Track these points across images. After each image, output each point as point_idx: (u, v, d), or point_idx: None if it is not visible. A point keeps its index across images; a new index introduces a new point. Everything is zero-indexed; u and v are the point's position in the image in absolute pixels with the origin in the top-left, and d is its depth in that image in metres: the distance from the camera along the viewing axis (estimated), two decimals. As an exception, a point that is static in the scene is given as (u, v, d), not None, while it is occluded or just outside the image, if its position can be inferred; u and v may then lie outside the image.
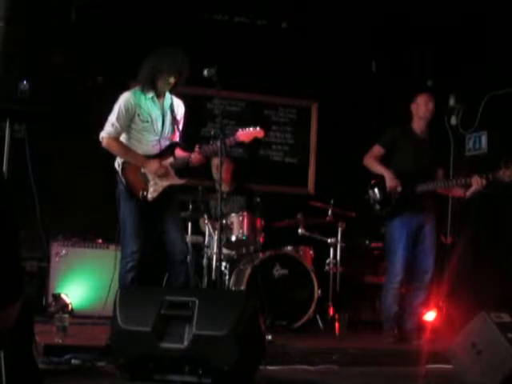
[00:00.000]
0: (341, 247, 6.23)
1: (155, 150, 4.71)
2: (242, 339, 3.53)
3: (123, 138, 4.68)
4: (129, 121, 4.63)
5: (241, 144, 4.89)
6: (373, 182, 5.49)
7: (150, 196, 4.64)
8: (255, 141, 4.79)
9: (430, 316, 5.70)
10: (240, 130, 4.68)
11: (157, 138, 4.70)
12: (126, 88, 4.91)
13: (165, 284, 5.54)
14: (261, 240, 6.04)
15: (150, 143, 4.70)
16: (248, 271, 5.72)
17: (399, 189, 5.34)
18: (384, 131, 5.66)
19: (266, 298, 5.18)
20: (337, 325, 5.76)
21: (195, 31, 6.84)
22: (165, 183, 4.68)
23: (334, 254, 6.25)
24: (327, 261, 6.25)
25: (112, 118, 4.62)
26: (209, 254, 6.08)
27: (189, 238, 6.05)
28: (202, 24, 7.01)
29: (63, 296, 5.72)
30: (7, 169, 4.78)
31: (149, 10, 6.73)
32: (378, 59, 7.56)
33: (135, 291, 4.06)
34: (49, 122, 5.99)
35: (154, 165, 4.63)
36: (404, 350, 5.03)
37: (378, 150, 5.54)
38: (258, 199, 6.19)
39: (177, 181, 4.74)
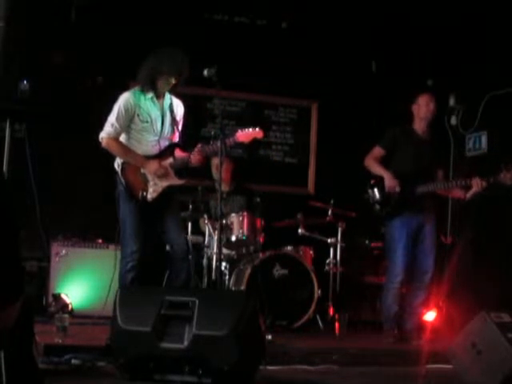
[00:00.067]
0: (341, 247, 6.23)
1: (155, 150, 4.70)
2: (242, 339, 3.53)
3: (123, 138, 4.68)
4: (128, 121, 4.63)
5: (240, 144, 4.89)
6: (372, 182, 5.49)
7: (149, 196, 4.64)
8: (255, 141, 4.79)
9: (429, 316, 5.70)
10: (239, 130, 4.68)
11: (156, 138, 4.70)
12: (125, 88, 4.91)
13: (165, 282, 5.54)
14: (261, 240, 6.04)
15: (149, 143, 4.69)
16: (248, 271, 5.73)
17: (398, 189, 5.34)
18: (384, 132, 5.66)
19: (266, 298, 5.18)
20: (337, 325, 5.76)
21: (195, 31, 6.84)
22: (164, 184, 4.68)
23: (334, 254, 6.25)
24: (327, 261, 6.25)
25: (112, 118, 4.62)
26: (209, 253, 6.08)
27: (189, 237, 6.04)
28: (202, 24, 7.01)
29: (63, 296, 5.72)
30: (7, 169, 4.79)
31: (149, 9, 6.73)
32: (377, 59, 7.56)
33: (135, 291, 4.06)
34: (49, 121, 5.99)
35: (153, 165, 4.63)
36: (404, 349, 5.03)
37: (378, 151, 5.54)
38: (258, 199, 6.18)
39: (176, 181, 4.74)
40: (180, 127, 4.84)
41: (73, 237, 6.05)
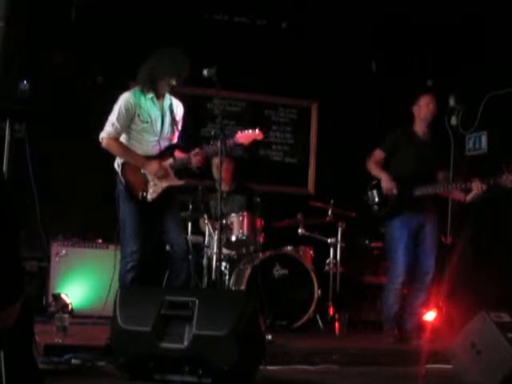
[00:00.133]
0: (341, 247, 6.23)
1: (155, 150, 4.71)
2: (242, 339, 3.53)
3: (123, 138, 4.68)
4: (129, 121, 4.63)
5: (240, 145, 4.89)
6: (373, 183, 5.50)
7: (149, 197, 4.64)
8: (255, 141, 4.79)
9: (429, 316, 5.70)
10: (239, 131, 4.69)
11: (156, 138, 4.71)
12: (125, 88, 4.91)
13: (165, 282, 5.54)
14: (261, 240, 6.04)
15: (149, 144, 4.70)
16: (248, 271, 5.73)
17: (395, 191, 5.35)
18: (385, 133, 5.67)
19: (266, 298, 5.19)
20: (337, 325, 5.77)
21: (195, 31, 6.84)
22: (164, 184, 4.68)
23: (334, 254, 6.25)
24: (327, 261, 6.25)
25: (112, 118, 4.62)
26: (209, 253, 6.09)
27: (189, 237, 6.04)
28: (202, 24, 7.01)
29: (63, 296, 5.72)
30: (7, 169, 4.78)
31: (149, 9, 6.73)
32: (377, 59, 7.56)
33: (135, 291, 4.06)
34: (49, 121, 5.98)
35: (153, 166, 4.63)
36: (404, 350, 5.03)
37: (379, 154, 5.55)
38: (258, 199, 6.18)
39: (176, 182, 4.74)
40: (179, 127, 4.84)
41: (73, 237, 6.05)
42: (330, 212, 6.26)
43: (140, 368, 3.62)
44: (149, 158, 4.67)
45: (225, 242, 5.95)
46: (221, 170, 4.48)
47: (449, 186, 5.34)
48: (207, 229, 6.11)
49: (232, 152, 5.65)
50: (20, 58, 6.10)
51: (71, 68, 6.55)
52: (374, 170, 5.50)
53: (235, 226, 5.94)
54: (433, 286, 5.57)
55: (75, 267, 5.91)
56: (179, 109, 4.88)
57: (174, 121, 4.78)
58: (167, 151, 4.74)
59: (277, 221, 6.36)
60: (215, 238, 5.88)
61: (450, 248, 6.65)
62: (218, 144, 4.37)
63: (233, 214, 6.01)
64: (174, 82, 4.63)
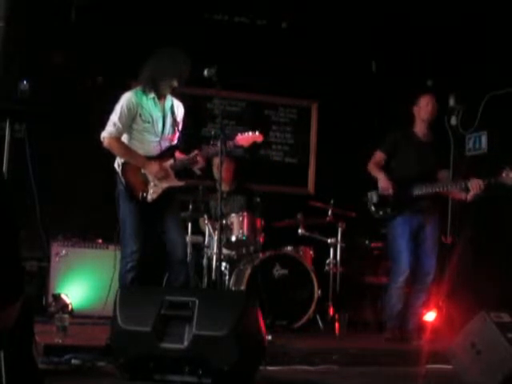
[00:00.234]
0: (341, 247, 6.22)
1: (155, 151, 4.71)
2: (242, 339, 3.53)
3: (124, 138, 4.68)
4: (130, 120, 4.63)
5: (240, 147, 4.89)
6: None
7: (149, 197, 4.64)
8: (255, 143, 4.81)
9: (430, 316, 5.70)
10: (239, 133, 4.70)
11: (157, 139, 4.71)
12: (126, 88, 4.91)
13: (165, 284, 5.54)
14: (261, 240, 6.04)
15: (150, 144, 4.70)
16: (248, 271, 5.72)
17: (391, 190, 5.36)
18: (385, 133, 5.67)
19: (266, 298, 5.19)
20: (337, 325, 5.76)
21: (195, 31, 6.83)
22: (164, 185, 4.68)
23: (334, 254, 6.25)
24: (327, 261, 6.24)
25: (114, 117, 4.62)
26: (209, 254, 6.08)
27: (189, 237, 6.04)
28: (202, 24, 7.00)
29: (63, 296, 5.72)
30: (7, 169, 4.79)
31: (149, 10, 6.73)
32: (378, 59, 7.56)
33: (135, 291, 4.06)
34: (49, 121, 5.99)
35: (154, 167, 4.63)
36: (404, 350, 5.03)
37: (379, 155, 5.56)
38: (258, 199, 6.18)
39: (176, 183, 4.75)
40: (180, 128, 4.85)
41: (73, 237, 6.05)
42: (330, 212, 6.25)
43: (140, 368, 3.62)
44: (149, 158, 4.67)
45: (225, 242, 5.95)
46: (221, 170, 4.48)
47: (448, 186, 5.33)
48: (207, 229, 6.11)
49: (232, 152, 5.65)
50: (20, 58, 6.10)
51: (71, 68, 6.54)
52: (374, 170, 5.51)
53: (235, 226, 5.94)
54: (433, 286, 5.57)
55: (75, 267, 5.91)
56: (180, 110, 4.88)
57: (174, 122, 4.78)
58: (168, 152, 4.74)
59: (277, 221, 6.36)
60: (215, 238, 5.88)
61: (450, 248, 6.65)
62: (218, 144, 4.37)
63: (233, 214, 6.01)
64: (175, 83, 4.63)
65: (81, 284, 5.87)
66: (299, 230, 6.30)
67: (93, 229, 6.19)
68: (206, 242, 6.14)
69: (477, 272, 6.43)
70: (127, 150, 4.66)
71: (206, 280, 6.08)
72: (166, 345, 3.55)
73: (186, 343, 3.52)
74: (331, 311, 6.04)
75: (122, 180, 4.62)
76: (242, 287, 5.65)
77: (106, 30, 6.62)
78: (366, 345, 5.35)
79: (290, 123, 7.56)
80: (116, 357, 3.70)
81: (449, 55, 7.07)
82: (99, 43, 6.57)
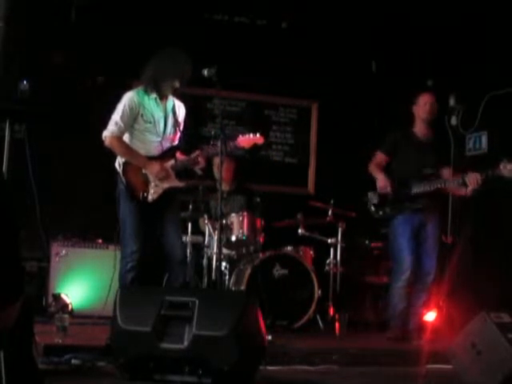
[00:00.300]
0: (341, 247, 6.22)
1: (157, 151, 4.71)
2: (242, 339, 3.53)
3: (126, 138, 4.68)
4: (132, 120, 4.63)
5: (241, 149, 4.90)
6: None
7: (150, 197, 4.64)
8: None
9: (430, 316, 5.70)
10: (240, 135, 4.71)
11: (159, 139, 4.71)
12: (126, 88, 4.91)
13: (165, 284, 5.54)
14: (261, 240, 6.04)
15: (152, 144, 4.70)
16: (248, 271, 5.72)
17: (389, 189, 5.36)
18: (385, 133, 5.67)
19: (266, 298, 5.19)
20: (337, 325, 5.76)
21: (195, 31, 6.83)
22: (165, 185, 4.68)
23: (335, 254, 6.24)
24: (327, 261, 6.24)
25: (116, 116, 4.62)
26: (209, 254, 6.08)
27: (189, 238, 6.04)
28: (202, 24, 7.00)
29: (63, 296, 5.72)
30: (7, 169, 4.78)
31: (149, 9, 6.73)
32: (377, 59, 7.56)
33: (135, 291, 4.06)
34: (49, 121, 5.98)
35: (155, 167, 4.63)
36: (404, 350, 5.03)
37: (380, 156, 5.57)
38: (258, 199, 6.18)
39: (177, 183, 4.75)
40: (181, 129, 4.85)
41: (73, 237, 6.05)
42: (330, 212, 6.25)
43: (140, 368, 3.62)
44: (150, 158, 4.67)
45: (225, 242, 5.95)
46: (221, 170, 4.49)
47: (445, 182, 5.33)
48: (207, 229, 6.10)
49: (233, 152, 5.65)
50: (20, 58, 6.10)
51: (71, 68, 6.55)
52: (374, 171, 5.52)
53: (235, 226, 5.94)
54: (433, 286, 5.57)
55: (75, 267, 5.91)
56: (181, 110, 4.89)
57: (176, 122, 4.78)
58: (169, 152, 4.74)
59: (277, 221, 6.36)
60: (215, 238, 5.88)
61: (451, 248, 6.65)
62: (219, 144, 4.37)
63: (233, 214, 6.01)
64: (176, 84, 4.64)
65: (81, 284, 5.87)
66: (299, 230, 6.30)
67: (93, 229, 6.19)
68: (206, 241, 6.14)
69: (477, 272, 6.43)
70: (128, 150, 4.66)
71: (206, 280, 6.08)
72: (165, 345, 3.55)
73: (185, 343, 3.52)
74: (331, 311, 6.04)
75: (123, 180, 4.62)
76: (242, 287, 5.65)
77: (106, 30, 6.62)
78: (366, 345, 5.35)
79: (289, 123, 7.56)
80: (116, 357, 3.70)
81: (449, 55, 7.07)
82: (99, 43, 6.57)
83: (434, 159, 5.47)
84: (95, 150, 4.81)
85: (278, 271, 5.87)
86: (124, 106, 4.60)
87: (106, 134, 4.62)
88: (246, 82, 7.14)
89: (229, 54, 6.77)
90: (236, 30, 7.14)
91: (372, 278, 6.60)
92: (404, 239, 5.38)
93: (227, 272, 6.10)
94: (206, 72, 4.38)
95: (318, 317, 5.93)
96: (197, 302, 3.60)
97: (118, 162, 4.67)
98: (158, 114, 4.70)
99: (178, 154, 4.78)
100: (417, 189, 5.32)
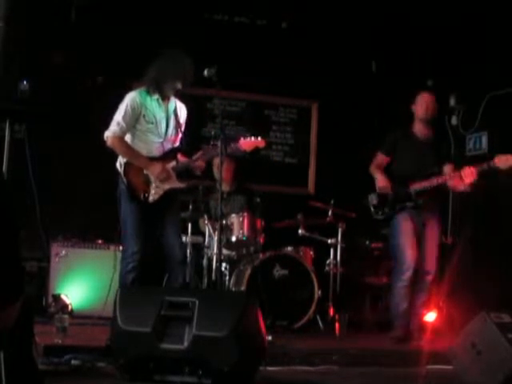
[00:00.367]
0: (341, 248, 6.22)
1: (158, 151, 4.71)
2: (242, 340, 3.52)
3: (127, 138, 4.68)
4: (134, 120, 4.63)
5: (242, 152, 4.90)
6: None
7: (151, 198, 4.64)
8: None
9: (430, 316, 5.69)
10: (242, 138, 4.72)
11: (160, 140, 4.71)
12: (126, 88, 4.91)
13: (165, 285, 5.53)
14: (261, 240, 6.04)
15: (153, 145, 4.70)
16: (248, 272, 5.72)
17: (388, 189, 5.36)
18: (385, 133, 5.67)
19: (266, 299, 5.19)
20: (337, 325, 5.76)
21: (195, 31, 6.83)
22: (166, 186, 4.69)
23: (335, 255, 6.24)
24: (327, 261, 6.24)
25: (118, 116, 4.62)
26: (209, 254, 6.08)
27: (189, 238, 6.04)
28: (202, 24, 7.00)
29: (63, 296, 5.72)
30: (7, 169, 4.78)
31: (149, 9, 6.73)
32: (378, 59, 7.55)
33: (135, 291, 4.06)
34: (49, 121, 5.98)
35: (157, 168, 4.63)
36: (404, 350, 5.02)
37: (380, 157, 5.57)
38: (258, 199, 6.18)
39: (178, 184, 4.76)
40: (182, 130, 4.85)
41: (73, 237, 6.05)
42: (330, 212, 6.25)
43: (140, 369, 3.61)
44: (152, 159, 4.67)
45: (225, 242, 5.94)
46: (221, 170, 4.49)
47: (442, 178, 5.31)
48: (207, 229, 6.10)
49: (233, 154, 5.66)
50: (20, 58, 6.10)
51: (71, 68, 6.55)
52: (374, 172, 5.52)
53: (235, 227, 5.94)
54: (433, 286, 5.56)
55: (75, 268, 5.90)
56: (183, 112, 4.90)
57: (178, 123, 4.79)
58: (170, 153, 4.75)
59: (277, 221, 6.35)
60: (215, 238, 5.88)
61: (451, 248, 6.65)
62: (219, 144, 4.37)
63: (233, 215, 6.01)
64: (179, 86, 4.64)
65: (81, 284, 5.86)
66: (299, 231, 6.30)
67: (93, 229, 6.19)
68: (206, 242, 6.14)
69: (477, 272, 6.43)
70: (130, 150, 4.65)
71: (206, 280, 6.08)
72: (165, 345, 3.54)
73: (186, 344, 3.52)
74: (331, 311, 6.04)
75: (124, 180, 4.62)
76: (242, 288, 5.64)
77: (106, 30, 6.62)
78: (366, 345, 5.34)
79: (290, 123, 7.56)
80: (116, 357, 3.69)
81: (449, 55, 7.07)
82: (99, 43, 6.57)
83: (434, 158, 5.46)
84: (95, 150, 4.82)
85: (278, 272, 5.87)
86: (126, 106, 4.61)
87: (108, 134, 4.62)
88: (246, 82, 7.14)
89: (229, 54, 6.77)
90: (236, 30, 7.14)
91: (372, 278, 6.60)
92: (406, 238, 5.37)
93: (227, 272, 6.10)
94: (206, 72, 4.38)
95: (318, 317, 5.92)
96: (197, 302, 3.59)
97: (120, 162, 4.67)
98: (160, 115, 4.70)
99: (180, 156, 4.78)
100: (415, 187, 5.31)
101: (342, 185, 6.90)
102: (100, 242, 6.04)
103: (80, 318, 5.45)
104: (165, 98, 4.73)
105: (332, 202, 6.25)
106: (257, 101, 7.44)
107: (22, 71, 5.86)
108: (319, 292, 5.82)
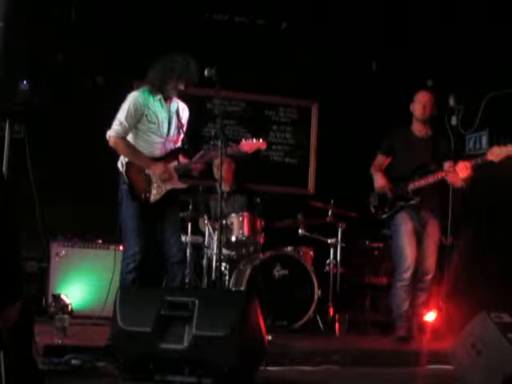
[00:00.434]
0: (341, 248, 6.22)
1: (160, 152, 4.72)
2: (242, 340, 3.53)
3: (129, 138, 4.68)
4: (136, 120, 4.63)
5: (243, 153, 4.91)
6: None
7: (152, 198, 4.64)
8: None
9: (430, 316, 5.69)
10: (243, 140, 4.72)
11: (162, 140, 4.72)
12: (126, 88, 4.91)
13: (165, 285, 5.53)
14: (261, 240, 6.04)
15: (155, 145, 4.71)
16: (248, 272, 5.72)
17: (386, 188, 5.36)
18: (385, 134, 5.67)
19: (266, 299, 5.18)
20: (337, 325, 5.76)
21: (195, 31, 6.83)
22: (168, 187, 4.69)
23: (335, 255, 6.24)
24: (327, 261, 6.24)
25: (120, 116, 4.62)
26: (209, 254, 6.08)
27: (189, 238, 6.04)
28: (202, 24, 7.00)
29: (63, 296, 5.72)
30: (7, 169, 4.78)
31: (149, 9, 6.73)
32: (378, 59, 7.55)
33: (135, 291, 4.06)
34: (49, 122, 5.98)
35: (159, 168, 4.64)
36: (404, 350, 5.02)
37: (380, 157, 5.57)
38: (258, 199, 6.18)
39: (180, 185, 4.76)
40: (184, 131, 4.85)
41: (73, 237, 6.05)
42: (330, 212, 6.25)
43: (140, 368, 3.61)
44: (154, 159, 4.67)
45: (225, 242, 5.94)
46: (221, 170, 4.49)
47: (438, 174, 5.31)
48: (207, 229, 6.10)
49: (234, 155, 5.67)
50: (20, 58, 6.10)
51: (71, 68, 6.54)
52: (374, 172, 5.52)
53: (235, 227, 5.94)
54: (433, 287, 5.56)
55: (75, 267, 5.90)
56: (185, 112, 4.90)
57: (180, 124, 4.79)
58: (172, 154, 4.75)
59: (277, 221, 6.35)
60: (215, 238, 5.88)
61: (451, 248, 6.64)
62: (219, 144, 4.38)
63: (233, 215, 6.01)
64: (181, 86, 4.64)
65: (81, 284, 5.86)
66: (299, 231, 6.29)
67: (93, 229, 6.19)
68: (205, 242, 6.14)
69: (477, 272, 6.43)
70: (133, 150, 4.65)
71: (205, 280, 6.07)
72: (166, 345, 3.54)
73: (185, 344, 3.52)
74: (331, 311, 6.04)
75: (126, 179, 4.62)
76: (242, 287, 5.64)
77: (106, 30, 6.62)
78: (366, 345, 5.34)
79: (290, 123, 7.56)
80: (116, 357, 3.70)
81: (449, 55, 7.07)
82: (99, 43, 6.57)
83: (432, 156, 5.46)
84: (95, 150, 4.81)
85: (278, 271, 5.87)
86: (129, 106, 4.61)
87: (111, 133, 4.62)
88: (246, 82, 7.14)
89: (229, 54, 6.77)
90: (236, 30, 7.14)
91: (372, 278, 6.59)
92: (406, 237, 5.37)
93: (227, 272, 6.09)
94: (206, 72, 4.39)
95: (318, 317, 5.92)
96: (197, 302, 3.59)
97: (121, 162, 4.66)
98: (163, 115, 4.70)
99: (181, 157, 4.78)
100: (413, 185, 5.31)
101: (341, 185, 6.90)
102: (100, 241, 6.04)
103: (80, 318, 5.44)
104: (167, 98, 4.73)
105: (332, 201, 6.25)
106: (257, 101, 7.44)
107: (22, 71, 5.86)
108: (319, 292, 5.82)
